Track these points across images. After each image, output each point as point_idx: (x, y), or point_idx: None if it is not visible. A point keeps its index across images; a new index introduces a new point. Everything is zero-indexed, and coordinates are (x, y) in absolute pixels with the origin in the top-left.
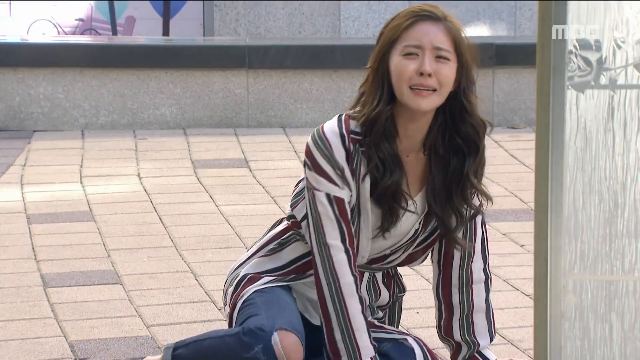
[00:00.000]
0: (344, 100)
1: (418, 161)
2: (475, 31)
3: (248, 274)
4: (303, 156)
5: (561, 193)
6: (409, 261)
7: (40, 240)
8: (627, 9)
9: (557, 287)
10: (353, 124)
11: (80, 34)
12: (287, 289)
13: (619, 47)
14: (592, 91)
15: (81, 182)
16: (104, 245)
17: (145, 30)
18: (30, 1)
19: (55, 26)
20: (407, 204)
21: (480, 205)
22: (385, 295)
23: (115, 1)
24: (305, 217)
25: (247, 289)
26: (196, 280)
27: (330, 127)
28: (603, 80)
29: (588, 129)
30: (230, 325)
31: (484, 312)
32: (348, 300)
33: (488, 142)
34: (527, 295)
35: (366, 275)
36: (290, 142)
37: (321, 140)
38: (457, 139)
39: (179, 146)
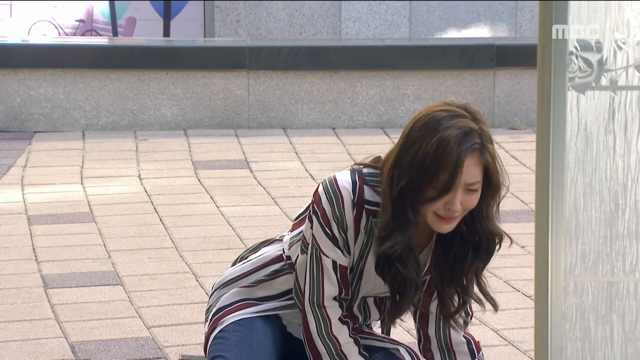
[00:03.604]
0: (345, 102)
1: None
2: (476, 32)
3: (236, 301)
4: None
5: (562, 194)
6: None
7: (41, 242)
8: (627, 10)
9: (557, 289)
10: (367, 193)
11: (81, 35)
12: (270, 320)
13: (620, 48)
14: (592, 92)
15: (82, 183)
16: (105, 246)
17: (146, 31)
18: (31, 2)
19: (56, 27)
20: (415, 292)
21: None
22: (375, 315)
23: (115, 2)
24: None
25: (229, 316)
26: (197, 281)
27: (345, 185)
28: (604, 81)
29: (589, 130)
30: (205, 345)
31: (464, 343)
32: (346, 348)
33: None
34: (528, 297)
35: (356, 303)
36: (291, 143)
37: (335, 196)
38: (463, 227)
39: (179, 147)
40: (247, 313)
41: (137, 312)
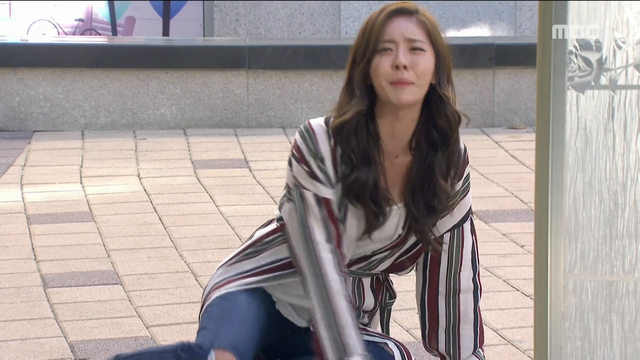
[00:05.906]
0: None
1: (406, 163)
2: (476, 32)
3: (224, 278)
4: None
5: (561, 193)
6: (397, 269)
7: (40, 241)
8: (627, 10)
9: (557, 288)
10: None
11: (80, 35)
12: (256, 293)
13: (619, 47)
14: (592, 91)
15: (81, 183)
16: (104, 246)
17: (145, 31)
18: (30, 1)
19: (55, 26)
20: (384, 204)
21: (452, 204)
22: (370, 302)
23: (115, 1)
24: None
25: (215, 291)
26: (196, 280)
27: (318, 121)
28: (603, 80)
29: (588, 129)
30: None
31: (472, 322)
32: (334, 297)
33: (488, 142)
34: (528, 296)
35: (351, 280)
36: (290, 142)
37: (307, 132)
38: (434, 133)
39: (179, 146)
40: (232, 287)
41: (136, 312)
